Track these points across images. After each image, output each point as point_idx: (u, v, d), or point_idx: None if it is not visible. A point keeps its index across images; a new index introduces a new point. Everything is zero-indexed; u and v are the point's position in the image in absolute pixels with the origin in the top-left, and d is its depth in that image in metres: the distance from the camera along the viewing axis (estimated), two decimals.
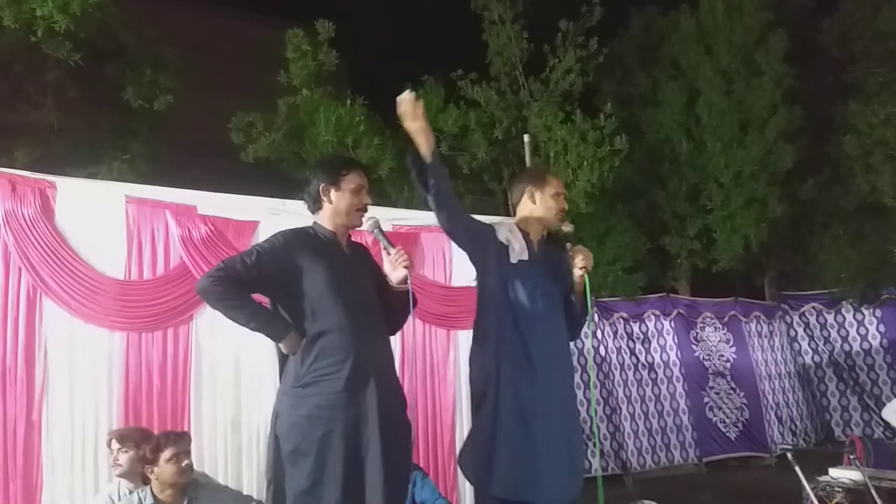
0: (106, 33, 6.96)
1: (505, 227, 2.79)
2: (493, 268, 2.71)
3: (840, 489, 3.21)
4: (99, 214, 3.79)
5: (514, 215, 2.93)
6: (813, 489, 3.09)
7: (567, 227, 2.84)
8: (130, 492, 2.89)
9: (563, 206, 2.88)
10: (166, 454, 2.82)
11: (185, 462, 2.84)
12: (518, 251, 2.73)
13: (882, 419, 7.29)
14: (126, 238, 3.80)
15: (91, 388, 3.57)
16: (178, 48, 7.66)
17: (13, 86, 6.79)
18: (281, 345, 2.41)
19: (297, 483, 2.28)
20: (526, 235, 2.80)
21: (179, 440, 2.91)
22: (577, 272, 2.80)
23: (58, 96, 6.95)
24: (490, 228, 2.78)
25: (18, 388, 3.39)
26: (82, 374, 3.56)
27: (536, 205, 2.83)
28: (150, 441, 2.91)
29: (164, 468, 2.82)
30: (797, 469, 2.74)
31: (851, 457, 3.50)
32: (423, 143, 2.49)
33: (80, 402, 3.52)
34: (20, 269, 3.52)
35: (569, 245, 2.82)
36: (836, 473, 3.32)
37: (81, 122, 7.06)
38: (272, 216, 4.09)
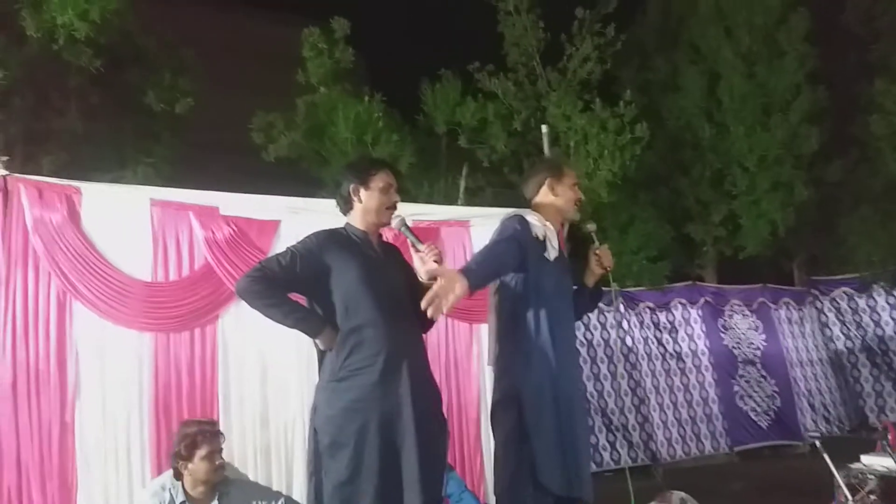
0: (125, 39, 7.07)
1: (539, 221, 2.75)
2: (529, 265, 2.67)
3: (872, 476, 3.15)
4: (124, 218, 3.85)
5: (532, 208, 2.89)
6: (844, 477, 3.04)
7: (590, 226, 2.87)
8: (163, 488, 2.93)
9: (580, 196, 2.87)
10: (201, 452, 2.87)
11: (219, 461, 2.89)
12: (555, 248, 2.73)
13: None
14: (151, 240, 3.87)
15: (122, 388, 3.63)
16: (196, 50, 7.76)
17: (37, 94, 6.92)
18: (317, 341, 2.49)
19: (336, 475, 2.35)
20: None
21: (214, 439, 2.96)
22: (599, 271, 2.81)
23: (81, 103, 7.08)
24: (522, 227, 2.69)
25: (52, 391, 3.47)
26: (113, 375, 3.63)
27: (557, 196, 2.81)
28: (186, 438, 2.95)
29: (198, 466, 2.87)
30: (826, 457, 2.70)
31: (884, 443, 3.43)
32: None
33: (111, 403, 3.59)
34: (49, 274, 3.59)
35: (595, 244, 2.83)
36: (868, 461, 3.26)
37: (105, 127, 7.19)
38: (293, 215, 4.12)
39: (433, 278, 2.49)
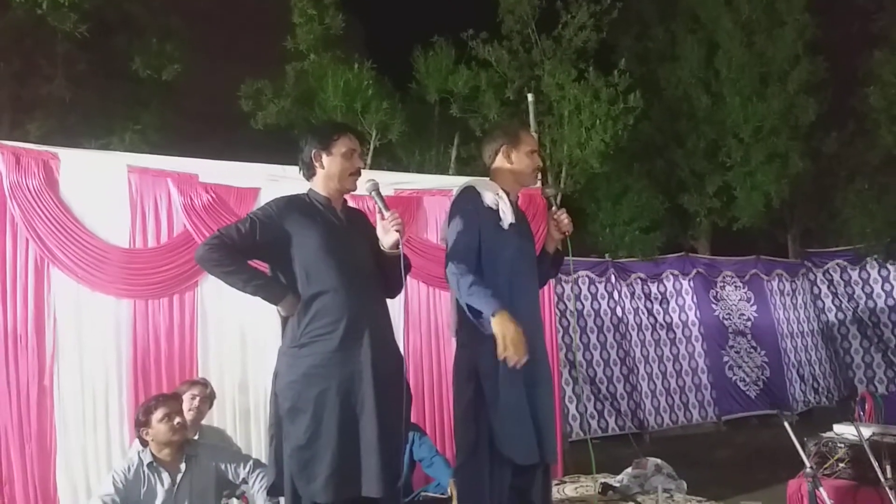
0: (111, 3, 6.97)
1: (491, 190, 2.73)
2: (484, 236, 2.66)
3: (843, 444, 3.18)
4: (102, 184, 3.86)
5: (489, 174, 2.86)
6: (815, 445, 3.07)
7: (549, 191, 2.85)
8: (135, 454, 2.98)
9: (538, 164, 2.84)
10: (157, 414, 2.90)
11: (177, 420, 2.92)
12: (508, 216, 2.69)
13: None
14: (129, 207, 3.88)
15: (100, 353, 3.68)
16: (184, 16, 7.64)
17: (24, 60, 6.85)
18: (279, 307, 2.48)
19: (294, 439, 2.36)
20: (507, 196, 2.76)
21: (170, 400, 3.00)
22: (558, 235, 2.79)
23: (68, 69, 7.00)
24: (473, 202, 2.69)
25: (30, 355, 3.51)
26: (91, 341, 3.67)
27: (513, 164, 2.77)
28: (143, 405, 2.99)
29: (156, 428, 2.91)
30: (786, 425, 2.72)
31: (858, 412, 3.47)
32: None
33: (89, 368, 3.64)
34: (27, 239, 3.61)
35: (553, 209, 2.80)
36: (839, 430, 3.28)
37: (92, 94, 7.12)
38: (272, 182, 4.12)
39: (394, 246, 2.50)
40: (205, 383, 3.59)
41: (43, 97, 6.87)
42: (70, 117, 6.91)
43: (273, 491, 2.46)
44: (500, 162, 2.80)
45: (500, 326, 2.42)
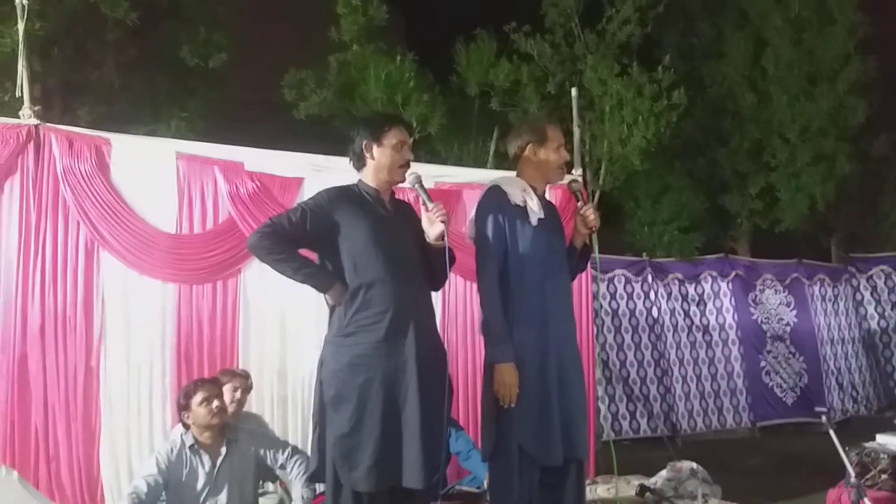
0: None
1: (518, 187, 2.73)
2: (511, 236, 2.67)
3: (885, 455, 3.10)
4: (151, 170, 3.93)
5: (515, 168, 2.86)
6: (857, 455, 3.00)
7: (575, 185, 2.84)
8: (178, 436, 3.05)
9: (565, 159, 2.82)
10: (197, 398, 2.96)
11: (216, 404, 2.98)
12: (537, 212, 2.70)
13: None
14: (177, 193, 3.94)
15: (145, 336, 3.76)
16: (231, 6, 7.74)
17: (76, 46, 7.01)
18: (326, 296, 2.53)
19: (338, 427, 2.40)
20: (534, 192, 2.75)
21: (209, 384, 3.06)
22: (584, 230, 2.77)
23: (118, 56, 7.16)
24: (499, 201, 2.69)
25: (78, 336, 3.60)
26: (137, 323, 3.75)
27: (540, 160, 2.75)
28: (184, 389, 3.06)
29: (196, 412, 2.97)
30: (831, 432, 2.67)
31: None
32: None
33: (135, 350, 3.72)
34: (78, 223, 3.70)
35: (580, 204, 2.79)
36: (882, 440, 3.21)
37: (141, 80, 7.25)
38: (316, 172, 4.15)
39: (439, 238, 2.52)
40: (245, 375, 3.65)
41: (93, 83, 7.03)
42: (119, 103, 7.05)
43: (314, 478, 2.51)
44: (526, 158, 2.79)
45: (503, 375, 2.53)
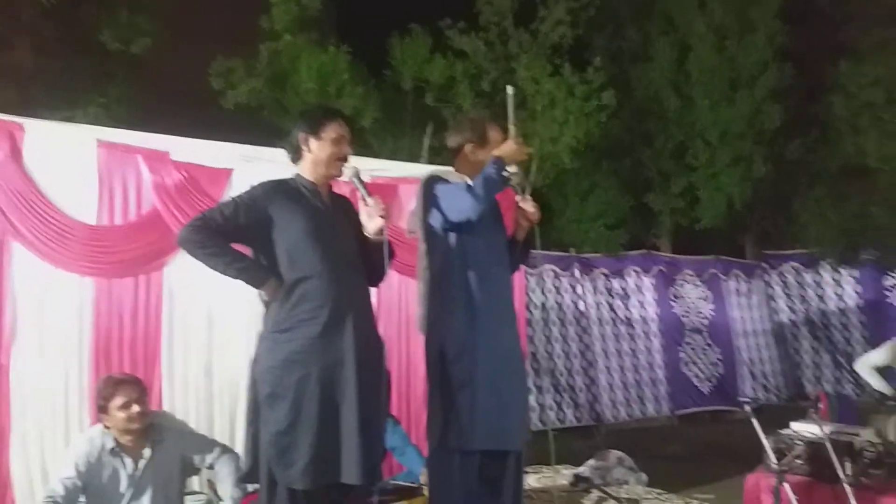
0: None
1: (460, 181, 2.74)
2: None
3: (800, 442, 3.29)
4: (69, 158, 3.74)
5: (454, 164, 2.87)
6: (773, 442, 3.17)
7: (515, 178, 2.71)
8: (97, 436, 2.90)
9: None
10: (116, 402, 2.83)
11: (136, 409, 2.83)
12: None
13: (852, 373, 7.43)
14: (97, 183, 3.76)
15: (61, 332, 3.57)
16: None
17: None
18: (261, 291, 2.48)
19: (273, 425, 2.36)
20: None
21: (128, 385, 2.89)
22: (525, 223, 2.81)
23: (33, 37, 6.78)
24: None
25: None
26: (52, 319, 3.56)
27: (479, 159, 2.75)
28: (101, 391, 2.90)
29: (114, 415, 2.83)
30: (753, 420, 2.81)
31: (814, 411, 3.59)
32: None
33: (50, 347, 3.53)
34: None
35: (518, 197, 2.81)
36: (796, 427, 3.40)
37: (57, 64, 6.89)
38: (246, 163, 4.05)
39: (378, 233, 2.50)
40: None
41: (4, 65, 6.63)
42: (33, 87, 6.67)
43: (247, 478, 2.46)
44: (464, 156, 2.80)
45: (505, 149, 2.60)
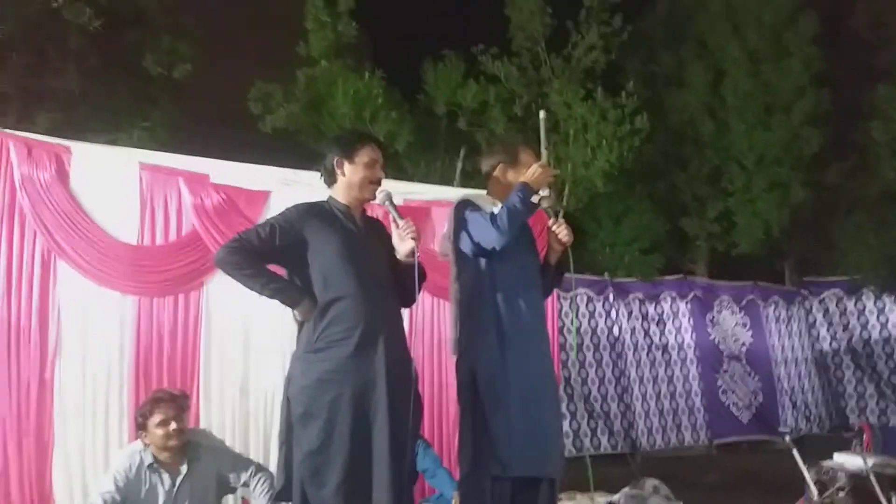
0: None
1: (490, 204, 2.74)
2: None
3: (843, 474, 3.19)
4: (113, 180, 3.85)
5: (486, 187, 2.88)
6: (815, 474, 3.08)
7: (547, 202, 2.72)
8: (136, 452, 2.95)
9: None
10: (154, 419, 2.88)
11: (174, 426, 2.88)
12: None
13: None
14: (139, 204, 3.87)
15: (103, 349, 3.65)
16: (197, 16, 7.65)
17: (36, 52, 6.84)
18: (295, 312, 2.51)
19: (306, 444, 2.37)
20: None
21: (167, 404, 2.94)
22: (558, 247, 2.80)
23: (79, 63, 6.99)
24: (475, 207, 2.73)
25: (32, 348, 3.49)
26: (95, 336, 3.65)
27: (511, 181, 2.75)
28: (141, 408, 2.96)
29: (153, 433, 2.88)
30: (794, 452, 2.74)
31: (857, 443, 3.48)
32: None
33: (92, 363, 3.62)
34: (35, 232, 3.60)
35: (551, 221, 2.81)
36: (840, 459, 3.30)
37: (102, 88, 7.10)
38: (284, 186, 4.13)
39: (410, 255, 2.52)
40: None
41: (52, 89, 6.86)
42: (79, 111, 6.89)
43: (280, 497, 2.46)
44: (496, 178, 2.81)
45: (530, 174, 2.62)
